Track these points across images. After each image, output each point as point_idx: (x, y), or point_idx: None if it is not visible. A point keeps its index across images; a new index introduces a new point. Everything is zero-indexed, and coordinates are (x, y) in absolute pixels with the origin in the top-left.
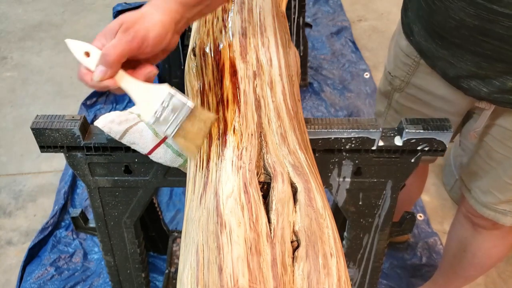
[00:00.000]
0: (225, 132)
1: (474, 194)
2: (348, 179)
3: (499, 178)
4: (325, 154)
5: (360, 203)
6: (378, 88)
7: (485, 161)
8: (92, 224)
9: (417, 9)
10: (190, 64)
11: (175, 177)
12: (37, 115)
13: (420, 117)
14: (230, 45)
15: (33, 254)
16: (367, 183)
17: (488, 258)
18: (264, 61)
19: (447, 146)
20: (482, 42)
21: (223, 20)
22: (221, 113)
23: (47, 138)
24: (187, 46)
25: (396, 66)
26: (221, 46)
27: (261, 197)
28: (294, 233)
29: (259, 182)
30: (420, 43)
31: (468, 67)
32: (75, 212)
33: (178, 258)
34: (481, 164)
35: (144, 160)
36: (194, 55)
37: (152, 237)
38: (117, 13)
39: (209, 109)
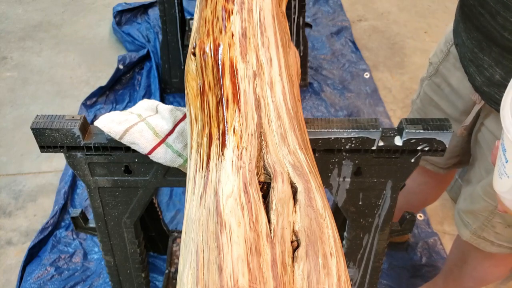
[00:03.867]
0: (225, 132)
1: (460, 199)
2: (348, 179)
3: (477, 188)
4: (325, 154)
5: (360, 203)
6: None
7: (474, 165)
8: (92, 224)
9: None
10: (190, 64)
11: (175, 177)
12: (37, 115)
13: (437, 110)
14: (230, 45)
15: (33, 254)
16: (367, 183)
17: (488, 275)
18: (264, 61)
19: (447, 146)
20: (480, 16)
21: (223, 20)
22: (221, 113)
23: (47, 138)
24: (187, 46)
25: (435, 53)
26: (221, 46)
27: (261, 197)
28: (294, 233)
29: (259, 182)
30: (455, 18)
31: (472, 46)
32: (75, 212)
33: (178, 258)
34: (471, 168)
35: (144, 160)
36: (194, 55)
37: (152, 237)
38: (117, 13)
39: (209, 109)
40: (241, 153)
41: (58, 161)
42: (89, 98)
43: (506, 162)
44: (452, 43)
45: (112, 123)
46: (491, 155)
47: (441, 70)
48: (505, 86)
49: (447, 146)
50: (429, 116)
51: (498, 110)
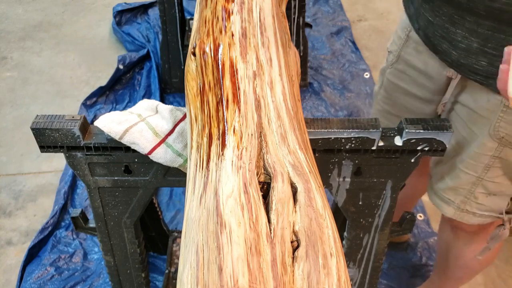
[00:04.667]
0: (225, 132)
1: (433, 180)
2: (348, 179)
3: (453, 163)
4: (325, 154)
5: (360, 203)
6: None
7: (450, 144)
8: (92, 224)
9: None
10: (190, 64)
11: (175, 177)
12: (37, 115)
13: (404, 95)
14: (230, 45)
15: (33, 254)
16: (367, 183)
17: (474, 261)
18: (264, 61)
19: (447, 146)
20: None
21: (223, 20)
22: (221, 113)
23: (47, 138)
24: (187, 46)
25: (393, 41)
26: (221, 46)
27: (261, 197)
28: (294, 233)
29: (259, 182)
30: (413, 3)
31: (442, 22)
32: (75, 212)
33: (178, 258)
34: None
35: (144, 160)
36: (194, 55)
37: (152, 237)
38: (117, 13)
39: (209, 109)
40: (241, 153)
41: (58, 161)
42: (89, 98)
43: None
44: (410, 28)
45: (112, 123)
46: (498, 80)
47: (403, 56)
48: (483, 53)
49: (447, 146)
50: (397, 102)
51: (477, 81)
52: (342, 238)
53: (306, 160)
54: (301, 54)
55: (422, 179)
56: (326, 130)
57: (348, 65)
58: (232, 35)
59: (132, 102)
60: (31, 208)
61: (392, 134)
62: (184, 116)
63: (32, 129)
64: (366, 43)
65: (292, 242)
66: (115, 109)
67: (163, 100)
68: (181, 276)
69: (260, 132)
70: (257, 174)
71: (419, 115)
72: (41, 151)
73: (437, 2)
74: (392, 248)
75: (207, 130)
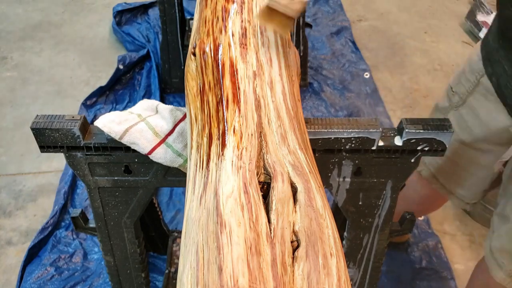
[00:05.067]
0: (225, 132)
1: (494, 231)
2: (348, 179)
3: None
4: (325, 154)
5: (360, 203)
6: (436, 104)
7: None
8: (92, 224)
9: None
10: (190, 64)
11: (175, 177)
12: (37, 115)
13: (459, 143)
14: (230, 45)
15: (33, 254)
16: (367, 183)
17: None
18: (264, 61)
19: (447, 146)
20: None
21: (223, 20)
22: (221, 113)
23: (47, 138)
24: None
25: (459, 82)
26: (221, 46)
27: (261, 197)
28: (294, 233)
29: (259, 182)
30: (488, 46)
31: None
32: (75, 212)
33: (178, 258)
34: (507, 203)
35: (144, 160)
36: (194, 55)
37: (152, 237)
38: (117, 13)
39: (209, 109)
40: (241, 153)
41: (58, 161)
42: (89, 98)
43: None
44: (482, 73)
45: (112, 123)
46: None
47: (470, 101)
48: None
49: (447, 146)
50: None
51: None
52: (342, 238)
53: (306, 160)
54: (301, 54)
55: (441, 203)
56: (326, 130)
57: (348, 65)
58: (232, 35)
59: (132, 102)
60: (31, 208)
61: (392, 134)
62: (184, 116)
63: (32, 129)
64: (366, 43)
65: (292, 242)
66: (115, 109)
67: (163, 100)
68: (181, 276)
69: (260, 132)
70: (257, 174)
71: (475, 164)
72: (41, 151)
73: None
74: (392, 249)
75: (207, 130)
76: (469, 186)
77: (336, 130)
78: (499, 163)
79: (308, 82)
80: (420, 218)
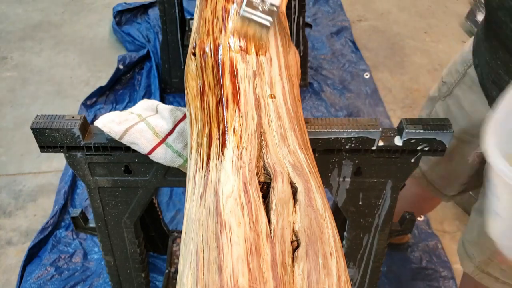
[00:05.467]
0: (225, 132)
1: (468, 223)
2: (348, 179)
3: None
4: (325, 154)
5: (360, 203)
6: (429, 94)
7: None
8: (92, 224)
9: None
10: (190, 64)
11: (175, 177)
12: (37, 115)
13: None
14: (230, 45)
15: (33, 254)
16: (367, 183)
17: None
18: (264, 61)
19: (447, 146)
20: (511, 33)
21: (223, 20)
22: (221, 113)
23: (47, 138)
24: (187, 46)
25: (449, 72)
26: (221, 46)
27: (261, 197)
28: (294, 233)
29: (259, 182)
30: (477, 36)
31: (497, 67)
32: (75, 212)
33: (178, 258)
34: (482, 197)
35: (144, 160)
36: (194, 55)
37: (152, 237)
38: (117, 13)
39: (209, 109)
40: (241, 153)
41: (58, 161)
42: (89, 98)
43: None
44: (470, 64)
45: (112, 123)
46: None
47: (456, 91)
48: None
49: (447, 146)
50: None
51: None
52: (342, 238)
53: (306, 160)
54: (301, 54)
55: (435, 203)
56: (326, 130)
57: (348, 65)
58: (232, 35)
59: (132, 102)
60: (31, 208)
61: (392, 134)
62: (184, 116)
63: (32, 129)
64: (366, 43)
65: (292, 242)
66: (115, 109)
67: (163, 100)
68: (181, 276)
69: (260, 132)
70: (257, 174)
71: (456, 155)
72: (41, 151)
73: (495, 42)
74: (392, 250)
75: (207, 130)
76: (449, 177)
77: (336, 130)
78: (474, 154)
79: (308, 82)
80: (419, 219)
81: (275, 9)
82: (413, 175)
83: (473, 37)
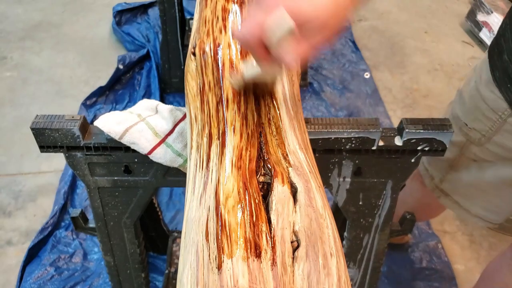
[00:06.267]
0: (225, 132)
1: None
2: (348, 179)
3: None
4: (325, 154)
5: (360, 203)
6: (450, 139)
7: None
8: (92, 224)
9: None
10: (190, 64)
11: (175, 177)
12: (37, 115)
13: (504, 170)
14: (230, 45)
15: (33, 254)
16: (367, 183)
17: None
18: None
19: (447, 146)
20: None
21: (223, 20)
22: (220, 113)
23: (47, 138)
24: (187, 46)
25: (476, 119)
26: (221, 46)
27: (261, 197)
28: (294, 233)
29: (259, 182)
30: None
31: None
32: (75, 212)
33: (178, 258)
34: None
35: (144, 160)
36: (194, 55)
37: (152, 237)
38: (117, 13)
39: (209, 109)
40: (241, 153)
41: (58, 161)
42: (89, 98)
43: None
44: (506, 114)
45: (112, 123)
46: None
47: (497, 139)
48: None
49: (447, 146)
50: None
51: None
52: (342, 238)
53: (306, 160)
54: None
55: (440, 211)
56: (326, 130)
57: (348, 65)
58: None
59: (132, 102)
60: (31, 208)
61: (392, 134)
62: (184, 116)
63: (32, 129)
64: (366, 43)
65: (292, 242)
66: (115, 109)
67: (163, 100)
68: (181, 276)
69: (260, 132)
70: (257, 174)
71: (506, 195)
72: (41, 151)
73: None
74: (392, 250)
75: (207, 130)
76: (498, 211)
77: (336, 130)
78: None
79: (308, 82)
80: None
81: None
82: (445, 204)
83: (480, 72)
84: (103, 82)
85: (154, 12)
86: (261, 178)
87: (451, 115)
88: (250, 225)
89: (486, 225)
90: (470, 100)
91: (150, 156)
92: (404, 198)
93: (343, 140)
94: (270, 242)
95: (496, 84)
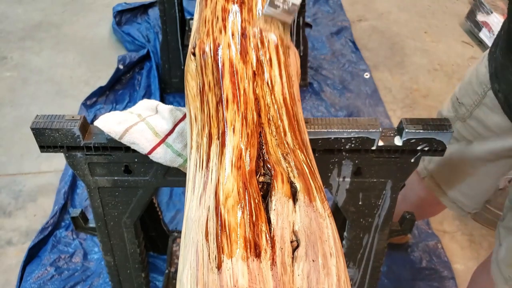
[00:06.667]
0: (224, 132)
1: (501, 247)
2: (348, 179)
3: None
4: (325, 154)
5: (360, 203)
6: (439, 111)
7: None
8: (92, 224)
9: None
10: (190, 64)
11: (175, 177)
12: (37, 115)
13: (480, 148)
14: (229, 45)
15: (33, 254)
16: (367, 183)
17: None
18: (264, 61)
19: (447, 146)
20: None
21: (223, 20)
22: (220, 113)
23: (47, 138)
24: (187, 46)
25: (466, 93)
26: (221, 46)
27: (261, 197)
28: (294, 233)
29: (259, 182)
30: (495, 61)
31: None
32: (75, 212)
33: (178, 258)
34: None
35: (144, 160)
36: (194, 55)
37: (152, 237)
38: (117, 13)
39: (208, 109)
40: (241, 153)
41: (58, 161)
42: (89, 98)
43: None
44: (488, 87)
45: (112, 123)
46: None
47: (477, 113)
48: None
49: (447, 146)
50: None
51: None
52: (342, 238)
53: (306, 160)
54: (301, 54)
55: (438, 208)
56: (326, 130)
57: (348, 65)
58: (232, 35)
59: (132, 102)
60: (31, 208)
61: (392, 134)
62: (184, 116)
63: (32, 129)
64: (366, 43)
65: (291, 242)
66: (115, 109)
67: (163, 100)
68: (181, 276)
69: (260, 132)
70: (256, 174)
71: (481, 176)
72: (41, 151)
73: None
74: (392, 250)
75: (206, 130)
76: (473, 196)
77: (336, 130)
78: (505, 179)
79: (308, 82)
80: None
81: (296, 7)
82: (428, 186)
83: (486, 53)
84: (103, 82)
85: (154, 12)
86: (261, 178)
87: (453, 93)
88: (249, 225)
89: (459, 213)
90: (468, 76)
91: (150, 156)
92: (404, 192)
93: (343, 140)
94: (269, 242)
95: (488, 61)
